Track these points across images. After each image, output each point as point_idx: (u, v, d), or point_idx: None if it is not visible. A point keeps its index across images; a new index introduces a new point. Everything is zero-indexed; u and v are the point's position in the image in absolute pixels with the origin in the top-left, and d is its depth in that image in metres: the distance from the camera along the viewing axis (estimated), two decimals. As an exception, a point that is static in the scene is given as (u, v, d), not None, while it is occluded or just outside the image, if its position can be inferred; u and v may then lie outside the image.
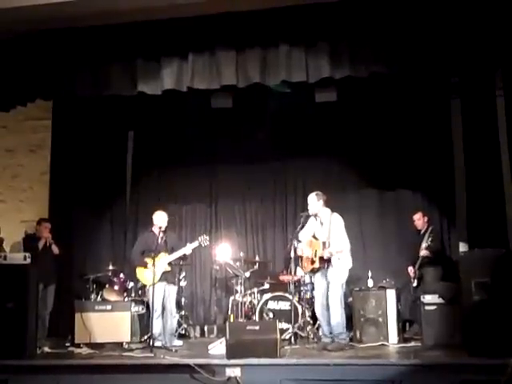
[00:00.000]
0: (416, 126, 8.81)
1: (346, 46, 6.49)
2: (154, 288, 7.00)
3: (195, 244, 7.35)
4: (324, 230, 6.86)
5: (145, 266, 7.23)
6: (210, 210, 9.51)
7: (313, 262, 6.81)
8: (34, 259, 7.69)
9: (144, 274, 7.29)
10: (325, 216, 6.90)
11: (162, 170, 9.61)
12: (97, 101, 7.49)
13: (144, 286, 7.92)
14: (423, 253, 7.68)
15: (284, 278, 8.16)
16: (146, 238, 7.45)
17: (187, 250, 7.26)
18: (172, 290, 7.40)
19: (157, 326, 7.14)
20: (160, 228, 7.36)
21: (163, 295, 7.25)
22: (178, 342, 7.38)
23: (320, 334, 7.07)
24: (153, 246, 7.18)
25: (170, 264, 7.27)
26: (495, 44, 6.19)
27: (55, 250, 8.01)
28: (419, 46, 6.34)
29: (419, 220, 8.05)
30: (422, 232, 7.97)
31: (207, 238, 7.49)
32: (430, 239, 7.67)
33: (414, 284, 7.76)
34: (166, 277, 7.26)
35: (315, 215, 6.96)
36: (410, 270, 7.85)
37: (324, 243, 6.75)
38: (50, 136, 9.42)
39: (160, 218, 7.40)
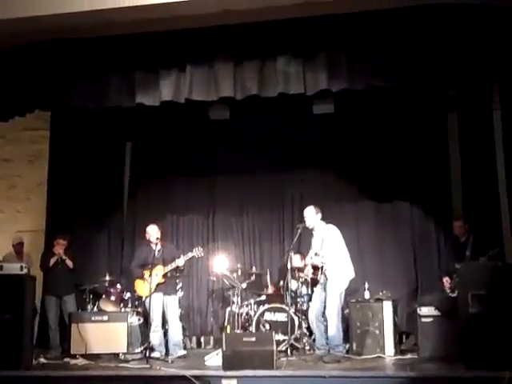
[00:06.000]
0: (413, 138, 8.81)
1: (344, 59, 6.51)
2: (150, 300, 7.07)
3: (188, 256, 7.40)
4: (317, 241, 6.96)
5: (141, 278, 7.34)
6: (208, 221, 9.49)
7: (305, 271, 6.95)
8: (46, 273, 7.94)
9: (140, 287, 7.41)
10: (319, 228, 6.98)
11: (160, 181, 9.59)
12: (95, 112, 7.50)
13: (140, 298, 7.95)
14: None
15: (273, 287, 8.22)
16: (142, 251, 7.55)
17: (180, 261, 7.30)
18: (172, 301, 7.39)
19: (155, 338, 7.20)
20: (152, 241, 7.44)
21: (162, 307, 7.30)
22: (182, 352, 7.34)
23: (315, 345, 7.05)
24: (149, 259, 7.27)
25: (164, 276, 7.31)
26: (492, 57, 6.23)
27: (69, 264, 7.99)
28: (417, 59, 6.37)
29: (461, 227, 7.38)
30: (462, 240, 7.30)
31: (201, 249, 7.54)
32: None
33: (454, 294, 6.88)
34: (162, 288, 7.30)
35: (312, 228, 7.00)
36: (446, 280, 7.15)
37: (316, 253, 6.86)
38: (47, 146, 9.44)
39: (150, 232, 7.52)
